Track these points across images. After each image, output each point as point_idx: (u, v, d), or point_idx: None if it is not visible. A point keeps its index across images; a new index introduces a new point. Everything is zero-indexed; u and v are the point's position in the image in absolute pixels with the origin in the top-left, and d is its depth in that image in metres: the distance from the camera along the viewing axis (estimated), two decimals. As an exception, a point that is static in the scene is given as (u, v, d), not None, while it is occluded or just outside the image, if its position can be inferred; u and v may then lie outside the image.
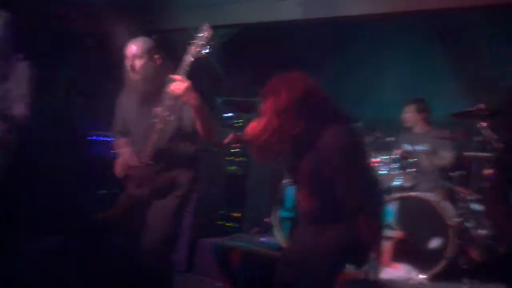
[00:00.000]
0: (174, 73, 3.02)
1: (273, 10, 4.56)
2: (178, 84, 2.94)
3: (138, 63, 3.19)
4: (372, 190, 2.50)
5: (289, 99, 2.40)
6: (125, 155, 3.38)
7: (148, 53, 3.21)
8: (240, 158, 5.78)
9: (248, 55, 6.22)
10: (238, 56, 6.22)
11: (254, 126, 2.50)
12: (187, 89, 2.94)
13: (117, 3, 5.47)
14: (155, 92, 3.18)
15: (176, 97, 3.00)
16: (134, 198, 3.26)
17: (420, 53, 5.69)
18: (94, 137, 5.57)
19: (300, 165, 2.50)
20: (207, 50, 2.96)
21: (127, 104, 3.45)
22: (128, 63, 3.25)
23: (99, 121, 5.35)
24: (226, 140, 2.55)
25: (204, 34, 2.96)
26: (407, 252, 4.02)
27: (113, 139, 3.63)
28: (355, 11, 4.03)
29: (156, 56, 3.24)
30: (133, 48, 3.22)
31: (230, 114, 6.02)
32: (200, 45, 2.95)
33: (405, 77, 5.47)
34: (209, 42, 2.96)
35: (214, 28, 2.95)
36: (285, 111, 2.40)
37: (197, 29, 3.00)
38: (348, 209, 2.40)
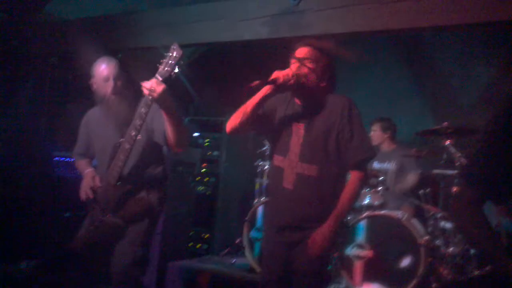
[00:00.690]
0: (140, 93, 2.98)
1: (237, 29, 4.56)
2: (155, 86, 2.87)
3: (106, 83, 3.18)
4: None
5: (327, 55, 2.68)
6: (87, 177, 3.33)
7: (115, 73, 3.20)
8: (209, 178, 5.73)
9: (213, 75, 6.21)
10: (203, 76, 6.20)
11: (284, 71, 2.58)
12: (164, 92, 2.88)
13: (81, 21, 5.42)
14: (122, 112, 3.15)
15: (150, 103, 2.95)
16: (106, 225, 3.18)
17: (384, 72, 5.78)
18: (58, 158, 5.44)
19: (311, 125, 2.63)
20: (176, 70, 2.94)
21: (92, 125, 3.41)
22: (94, 83, 3.23)
23: (62, 141, 5.26)
24: (255, 83, 2.55)
25: (173, 53, 2.93)
26: (378, 271, 4.02)
27: (74, 160, 3.58)
28: (319, 30, 4.05)
29: (122, 76, 3.22)
30: (100, 68, 3.20)
31: (197, 134, 5.98)
32: (169, 65, 2.92)
33: (369, 96, 5.53)
34: (178, 61, 2.93)
35: (180, 46, 2.92)
36: (319, 60, 2.64)
37: (164, 48, 2.98)
38: (353, 163, 2.61)
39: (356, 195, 2.63)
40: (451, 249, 4.16)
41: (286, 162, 2.65)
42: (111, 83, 3.18)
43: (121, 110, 3.18)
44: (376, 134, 5.13)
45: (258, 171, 5.19)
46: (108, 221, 3.15)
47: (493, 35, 5.03)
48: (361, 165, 2.65)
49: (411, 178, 4.85)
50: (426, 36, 5.37)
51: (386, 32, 3.69)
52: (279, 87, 2.57)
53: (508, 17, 3.40)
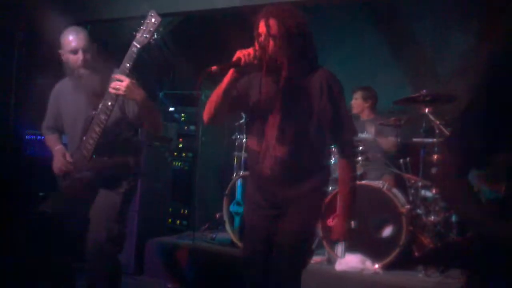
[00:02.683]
0: (116, 63, 2.94)
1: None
2: (120, 83, 2.85)
3: (74, 55, 3.06)
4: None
5: (293, 22, 2.37)
6: (58, 154, 3.25)
7: (84, 45, 3.07)
8: (186, 153, 5.64)
9: (188, 47, 6.06)
10: (178, 48, 6.06)
11: (246, 50, 2.34)
12: (129, 87, 2.84)
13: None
14: (95, 83, 3.06)
15: (113, 105, 2.93)
16: (75, 182, 3.10)
17: (360, 42, 5.71)
18: (30, 136, 5.28)
19: (288, 102, 2.42)
20: (154, 37, 2.88)
21: (62, 97, 3.30)
22: (63, 55, 3.11)
23: (33, 119, 5.09)
24: (213, 68, 2.29)
25: (151, 20, 2.85)
26: (360, 241, 4.00)
27: (43, 135, 3.49)
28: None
29: (92, 48, 3.10)
30: (68, 39, 3.07)
31: (172, 108, 5.85)
32: (147, 32, 2.84)
33: (346, 67, 5.46)
34: (156, 29, 2.86)
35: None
36: (287, 32, 2.35)
37: (140, 17, 2.89)
38: (341, 144, 2.52)
39: (353, 177, 2.54)
40: (432, 217, 4.17)
41: (263, 145, 2.47)
42: (80, 55, 3.05)
43: (92, 83, 3.08)
44: (356, 102, 5.07)
45: (236, 144, 5.11)
46: (81, 177, 3.10)
47: (468, 2, 4.98)
48: (346, 146, 2.54)
49: (389, 140, 4.79)
50: (401, 5, 5.29)
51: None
52: (243, 69, 2.36)
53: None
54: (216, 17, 4.83)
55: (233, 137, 5.15)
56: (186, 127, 5.68)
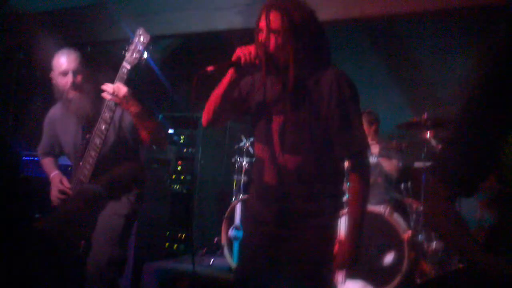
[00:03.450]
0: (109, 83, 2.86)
1: (211, 19, 4.42)
2: (116, 91, 2.75)
3: (64, 77, 3.01)
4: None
5: (298, 15, 2.10)
6: (55, 180, 3.19)
7: (75, 67, 3.01)
8: (184, 176, 5.58)
9: (188, 69, 6.05)
10: (178, 70, 6.04)
11: (246, 48, 2.11)
12: (126, 95, 2.76)
13: (47, 14, 5.21)
14: (87, 106, 3.01)
15: (114, 108, 2.84)
16: (83, 194, 3.03)
17: (360, 64, 5.70)
18: (26, 158, 5.23)
19: (293, 106, 2.17)
20: (145, 56, 2.79)
21: (56, 123, 3.25)
22: (53, 77, 3.06)
23: (30, 140, 5.06)
24: (210, 68, 2.07)
25: (140, 38, 2.78)
26: (361, 268, 3.92)
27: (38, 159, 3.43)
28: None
29: (83, 71, 3.05)
30: (59, 62, 3.02)
31: (171, 131, 5.81)
32: (137, 51, 2.77)
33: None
34: (146, 47, 2.78)
35: (152, 38, 2.76)
36: (291, 27, 2.08)
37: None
38: (352, 156, 2.21)
39: (364, 196, 2.20)
40: (433, 244, 4.10)
41: (267, 152, 2.22)
42: (69, 77, 2.99)
43: (83, 106, 3.03)
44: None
45: (235, 167, 5.06)
46: (85, 189, 3.00)
47: (469, 26, 4.98)
48: (358, 158, 2.22)
49: (391, 164, 4.74)
50: (402, 27, 5.29)
51: (363, 19, 3.59)
52: (244, 69, 2.13)
53: (484, 2, 3.33)
54: (216, 39, 4.82)
55: (233, 160, 5.10)
56: (185, 150, 5.63)
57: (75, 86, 3.00)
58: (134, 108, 2.82)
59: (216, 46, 5.42)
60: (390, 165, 4.74)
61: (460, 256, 1.47)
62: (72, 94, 3.01)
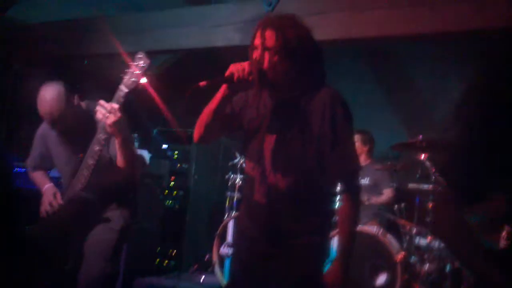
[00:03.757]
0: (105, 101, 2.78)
1: (210, 35, 4.42)
2: (110, 116, 2.66)
3: (53, 110, 2.91)
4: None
5: (293, 34, 2.08)
6: (48, 193, 3.12)
7: (58, 104, 2.91)
8: (177, 192, 5.54)
9: (184, 85, 6.05)
10: (173, 86, 6.04)
11: (240, 64, 2.09)
12: (117, 122, 2.66)
13: (45, 26, 5.21)
14: (79, 130, 2.96)
15: (106, 138, 2.79)
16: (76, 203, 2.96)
17: (356, 85, 5.71)
18: (18, 169, 5.19)
19: (285, 124, 2.15)
20: (143, 81, 2.72)
21: (49, 139, 3.19)
22: (40, 110, 2.97)
23: (22, 152, 5.02)
24: (202, 83, 2.04)
25: (139, 62, 2.70)
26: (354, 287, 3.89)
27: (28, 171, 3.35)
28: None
29: (72, 98, 2.98)
30: (41, 103, 2.93)
31: (165, 146, 5.79)
32: (135, 75, 2.69)
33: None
34: (145, 71, 2.71)
35: (148, 54, 2.73)
36: (285, 45, 2.06)
37: (132, 56, 2.76)
38: (343, 176, 2.20)
39: (354, 216, 2.20)
40: (426, 266, 4.07)
41: (258, 170, 2.20)
42: (59, 109, 2.90)
43: (73, 132, 2.98)
44: (355, 146, 5.00)
45: (228, 184, 5.04)
46: (76, 196, 2.92)
47: (465, 50, 5.02)
48: (349, 179, 2.22)
49: (387, 193, 4.75)
50: (399, 50, 5.33)
51: (362, 39, 3.61)
52: (237, 85, 2.11)
53: (482, 26, 3.37)
54: (214, 54, 4.84)
55: (227, 176, 5.07)
56: (178, 165, 5.61)
57: (58, 123, 2.95)
58: (120, 135, 2.74)
59: (213, 61, 5.44)
60: (385, 199, 4.75)
61: (461, 263, 1.46)
62: (62, 121, 2.94)
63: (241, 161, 4.93)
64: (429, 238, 4.16)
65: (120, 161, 2.87)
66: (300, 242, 2.15)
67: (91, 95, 3.24)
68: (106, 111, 2.66)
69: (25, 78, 5.37)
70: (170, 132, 5.84)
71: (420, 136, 4.28)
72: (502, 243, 3.55)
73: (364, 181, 4.82)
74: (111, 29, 4.72)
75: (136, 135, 5.78)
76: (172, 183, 5.58)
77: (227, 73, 2.09)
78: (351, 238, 2.17)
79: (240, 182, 4.90)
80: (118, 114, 2.68)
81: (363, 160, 5.01)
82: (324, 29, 3.73)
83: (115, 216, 3.04)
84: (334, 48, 4.99)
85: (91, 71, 5.47)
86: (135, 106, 4.97)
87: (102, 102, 2.70)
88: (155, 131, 5.86)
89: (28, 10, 5.16)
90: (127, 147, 2.83)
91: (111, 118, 2.66)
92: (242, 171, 4.92)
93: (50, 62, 4.90)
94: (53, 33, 5.07)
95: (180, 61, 5.99)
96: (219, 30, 4.34)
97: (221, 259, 4.57)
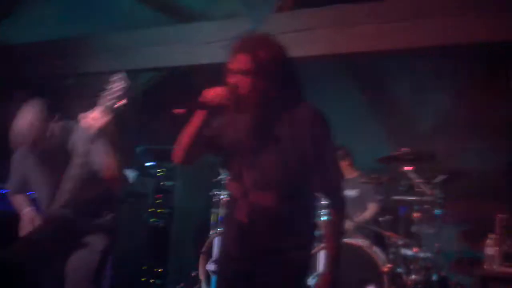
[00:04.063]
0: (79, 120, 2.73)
1: (195, 53, 4.44)
2: (98, 119, 2.62)
3: (32, 132, 2.86)
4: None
5: (268, 56, 2.09)
6: (27, 218, 3.06)
7: (35, 125, 2.87)
8: (162, 210, 5.52)
9: (169, 102, 6.06)
10: (159, 103, 6.05)
11: (216, 90, 2.09)
12: (104, 126, 2.61)
13: (30, 46, 5.20)
14: (58, 151, 2.89)
15: (89, 142, 2.70)
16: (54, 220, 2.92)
17: (339, 100, 5.77)
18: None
19: (264, 144, 2.16)
20: (123, 102, 2.63)
21: (27, 161, 3.10)
22: (21, 132, 2.90)
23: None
24: (179, 110, 2.05)
25: (118, 84, 2.64)
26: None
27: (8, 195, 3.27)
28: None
29: (51, 118, 2.95)
30: (19, 123, 2.87)
31: (149, 163, 5.77)
32: (114, 96, 2.63)
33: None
34: (125, 93, 2.63)
35: (133, 72, 2.70)
36: (262, 68, 2.07)
37: (114, 75, 2.71)
38: (328, 192, 2.21)
39: (340, 230, 2.24)
40: (413, 277, 4.09)
41: (240, 189, 2.22)
42: (34, 132, 2.85)
43: (53, 152, 2.92)
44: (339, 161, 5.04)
45: (214, 201, 5.02)
46: (53, 213, 2.87)
47: (446, 63, 5.12)
48: (334, 194, 2.24)
49: (372, 208, 4.79)
50: (381, 64, 5.41)
51: (349, 55, 3.66)
52: (213, 110, 2.12)
53: (463, 40, 3.45)
54: (200, 71, 4.86)
55: (211, 193, 5.06)
56: (164, 183, 5.59)
57: (36, 143, 2.89)
58: (110, 139, 2.72)
59: (200, 78, 5.47)
60: (369, 213, 4.79)
61: None
62: (40, 142, 2.89)
63: (226, 178, 4.92)
64: (414, 249, 4.20)
65: (105, 170, 2.85)
66: (283, 259, 2.16)
67: (74, 115, 3.23)
68: (90, 119, 2.62)
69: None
70: (156, 150, 5.82)
71: (404, 149, 4.34)
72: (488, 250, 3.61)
73: (350, 193, 4.86)
74: (97, 48, 4.73)
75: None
76: (158, 200, 5.55)
77: (202, 98, 2.09)
78: (338, 251, 2.20)
79: (225, 198, 4.89)
80: (104, 118, 2.62)
81: (348, 173, 5.05)
82: (312, 45, 3.78)
83: (97, 238, 2.97)
84: (317, 63, 5.07)
85: (73, 91, 5.46)
86: (119, 124, 4.96)
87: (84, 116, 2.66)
88: (139, 148, 5.84)
89: (12, 30, 5.15)
90: (114, 153, 2.79)
91: (97, 124, 2.61)
92: (226, 187, 4.91)
93: (30, 83, 4.87)
94: (36, 53, 5.06)
95: (167, 77, 5.99)
96: (204, 48, 4.36)
97: (208, 276, 4.54)
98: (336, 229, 2.23)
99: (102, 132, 2.66)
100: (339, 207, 2.24)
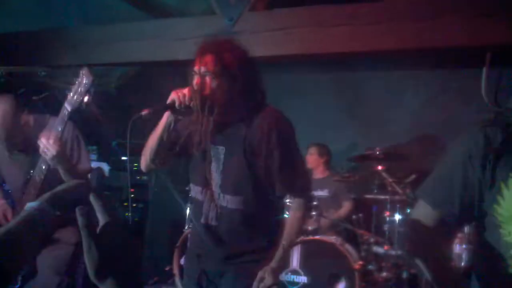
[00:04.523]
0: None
1: (172, 48, 4.41)
2: (49, 146, 2.57)
3: (3, 126, 2.89)
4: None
5: (231, 58, 2.13)
6: (0, 208, 3.08)
7: (12, 112, 2.91)
8: (137, 204, 5.50)
9: (145, 97, 6.03)
10: (134, 98, 6.02)
11: (181, 91, 2.12)
12: (56, 156, 2.57)
13: (3, 37, 5.11)
14: (28, 145, 2.90)
15: (47, 168, 2.72)
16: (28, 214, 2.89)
17: (313, 101, 5.82)
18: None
19: (229, 147, 2.19)
20: (87, 99, 2.57)
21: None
22: None
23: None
24: (145, 112, 2.07)
25: (82, 80, 2.57)
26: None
27: None
28: (256, 52, 3.99)
29: (22, 112, 2.97)
30: None
31: (124, 157, 5.74)
32: (79, 93, 2.57)
33: (299, 124, 5.55)
34: (89, 89, 2.57)
35: (107, 65, 2.67)
36: (224, 69, 2.10)
37: (78, 72, 2.63)
38: (291, 193, 2.30)
39: (298, 226, 2.26)
40: (384, 274, 4.18)
41: (206, 194, 2.22)
42: (5, 125, 2.89)
43: (24, 146, 2.96)
44: (312, 157, 5.10)
45: (189, 195, 5.02)
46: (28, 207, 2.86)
47: (420, 65, 5.20)
48: (300, 194, 2.29)
49: (347, 206, 4.86)
50: (355, 63, 5.47)
51: (325, 55, 3.68)
52: (179, 112, 2.13)
53: (437, 44, 3.49)
54: (174, 66, 4.85)
55: (187, 188, 5.06)
56: (138, 177, 5.57)
57: (10, 128, 2.92)
58: (63, 167, 2.69)
59: (174, 72, 5.45)
60: (343, 213, 4.84)
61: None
62: (10, 136, 2.93)
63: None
64: (385, 247, 4.28)
65: (76, 163, 2.88)
66: (250, 259, 2.20)
67: (46, 108, 3.20)
68: (45, 146, 2.57)
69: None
70: (130, 144, 5.78)
71: (377, 148, 4.42)
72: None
73: (324, 193, 4.92)
74: (71, 41, 4.67)
75: (95, 147, 5.73)
76: (132, 195, 5.52)
77: (168, 99, 2.11)
78: (289, 244, 2.22)
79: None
80: (57, 148, 2.57)
81: (321, 172, 5.11)
82: (285, 45, 3.79)
83: (69, 232, 2.98)
84: (290, 63, 5.10)
85: (45, 84, 5.39)
86: (93, 118, 4.93)
87: (43, 138, 2.60)
88: (114, 143, 5.80)
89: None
90: (70, 176, 2.72)
91: (51, 152, 2.57)
92: (191, 179, 4.91)
93: (2, 76, 4.80)
94: (12, 44, 4.97)
95: (141, 71, 5.96)
96: (181, 43, 4.34)
97: (182, 270, 4.54)
98: (294, 225, 2.25)
99: (54, 160, 2.61)
100: (300, 208, 2.27)
